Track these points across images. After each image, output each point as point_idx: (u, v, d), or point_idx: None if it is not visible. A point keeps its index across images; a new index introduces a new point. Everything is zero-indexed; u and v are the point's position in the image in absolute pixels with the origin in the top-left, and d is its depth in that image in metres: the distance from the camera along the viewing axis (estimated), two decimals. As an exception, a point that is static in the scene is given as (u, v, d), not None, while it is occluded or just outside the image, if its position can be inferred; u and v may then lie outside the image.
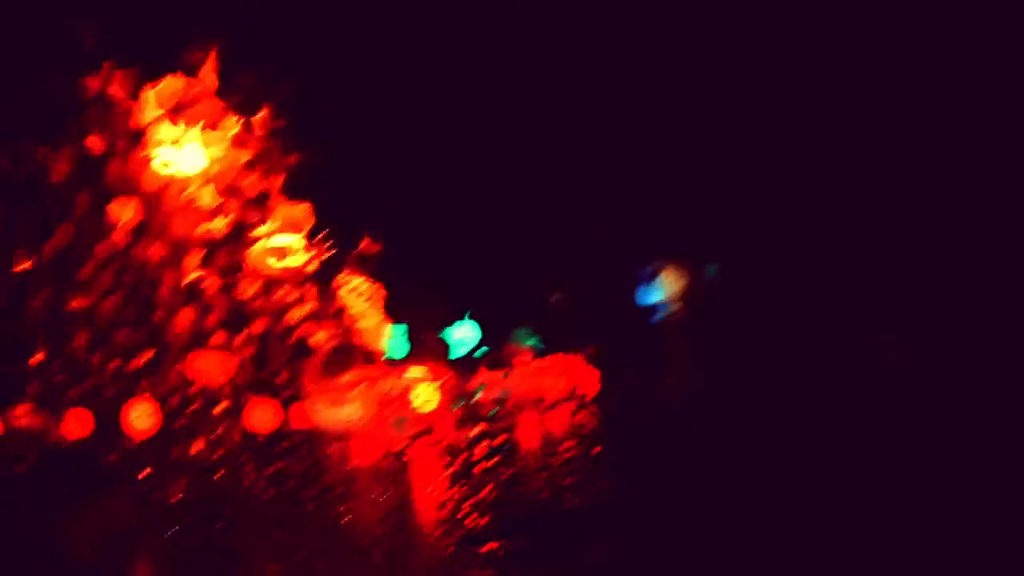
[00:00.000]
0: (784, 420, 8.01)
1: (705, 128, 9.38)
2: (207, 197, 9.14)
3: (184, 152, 8.97)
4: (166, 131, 8.95)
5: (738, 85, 9.40)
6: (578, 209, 9.60)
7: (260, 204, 9.43)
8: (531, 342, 9.85)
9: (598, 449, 8.11)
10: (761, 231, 9.60)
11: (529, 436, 8.78)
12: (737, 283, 9.68)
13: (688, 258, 9.90)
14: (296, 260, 9.43)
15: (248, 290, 9.39)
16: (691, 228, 9.61)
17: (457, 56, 9.40)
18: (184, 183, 9.06)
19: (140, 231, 9.09)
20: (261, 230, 9.38)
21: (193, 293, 9.25)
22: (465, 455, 8.17)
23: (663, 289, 9.94)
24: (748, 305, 9.55)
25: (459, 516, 6.48)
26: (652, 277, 9.97)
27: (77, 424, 8.88)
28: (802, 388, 8.59)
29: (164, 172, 8.95)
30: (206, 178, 9.12)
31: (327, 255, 9.61)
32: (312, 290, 9.56)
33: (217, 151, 9.10)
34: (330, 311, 9.62)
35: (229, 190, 9.29)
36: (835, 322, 9.21)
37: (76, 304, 9.06)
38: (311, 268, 9.52)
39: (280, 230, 9.41)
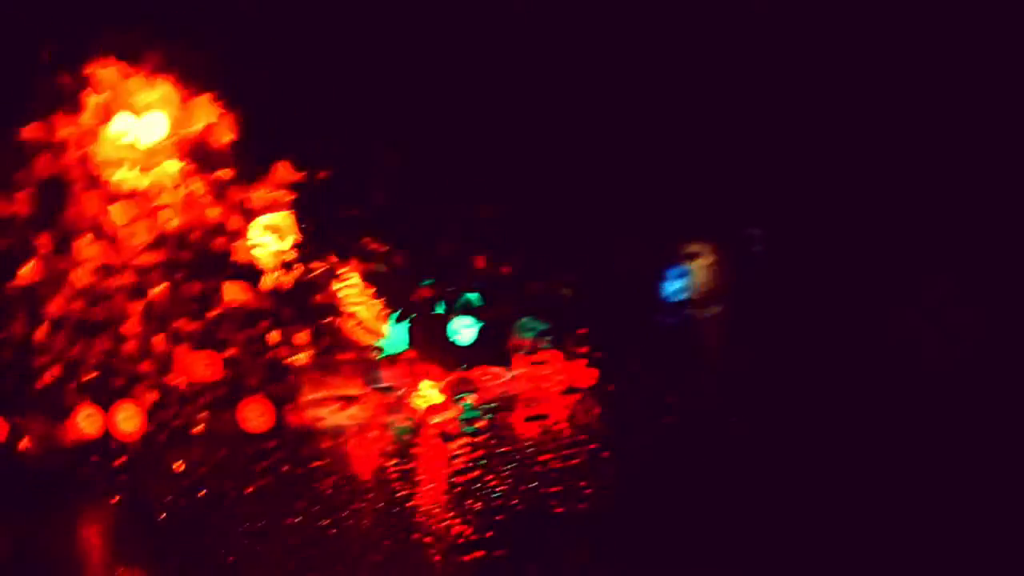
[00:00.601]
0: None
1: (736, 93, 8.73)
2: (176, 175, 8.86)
3: (145, 121, 8.68)
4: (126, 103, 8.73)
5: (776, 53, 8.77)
6: (590, 189, 9.01)
7: (240, 188, 9.06)
8: (535, 334, 9.40)
9: (601, 448, 7.73)
10: (808, 200, 8.74)
11: (529, 433, 8.44)
12: (782, 260, 8.94)
13: (719, 234, 9.22)
14: (284, 250, 9.06)
15: (234, 282, 9.04)
16: (721, 202, 8.94)
17: (458, 50, 9.02)
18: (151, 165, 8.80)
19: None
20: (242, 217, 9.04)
21: (175, 288, 8.98)
22: (461, 454, 7.91)
23: (690, 272, 9.33)
24: (796, 286, 8.75)
25: (447, 522, 6.29)
26: (677, 259, 9.34)
27: (87, 424, 8.74)
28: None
29: (123, 142, 8.69)
30: (172, 151, 8.84)
31: (319, 246, 9.21)
32: (304, 282, 9.18)
33: (183, 120, 8.81)
34: (325, 304, 9.24)
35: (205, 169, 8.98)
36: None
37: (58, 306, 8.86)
38: (302, 259, 9.15)
39: (265, 216, 9.04)
